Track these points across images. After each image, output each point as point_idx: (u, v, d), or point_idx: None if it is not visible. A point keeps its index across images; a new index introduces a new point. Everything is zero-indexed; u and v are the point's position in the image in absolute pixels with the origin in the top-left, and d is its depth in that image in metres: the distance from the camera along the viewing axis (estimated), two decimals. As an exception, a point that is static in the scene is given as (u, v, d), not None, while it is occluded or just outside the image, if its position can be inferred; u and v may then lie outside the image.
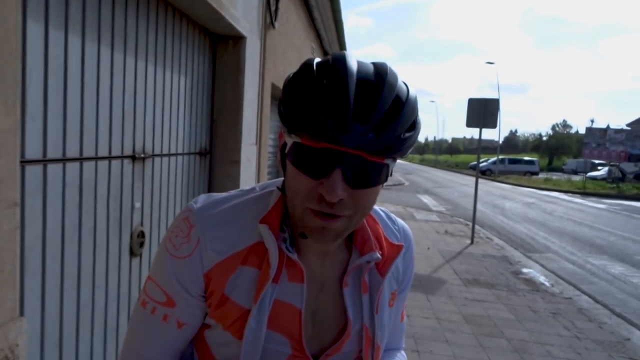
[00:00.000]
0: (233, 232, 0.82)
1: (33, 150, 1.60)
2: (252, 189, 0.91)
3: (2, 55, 1.22)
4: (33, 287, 1.61)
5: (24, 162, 1.55)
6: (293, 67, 5.85)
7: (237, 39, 3.40)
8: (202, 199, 0.86)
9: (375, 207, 0.98)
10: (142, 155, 2.40)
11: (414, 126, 0.76)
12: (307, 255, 0.86)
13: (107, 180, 2.11)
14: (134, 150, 2.33)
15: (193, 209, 0.84)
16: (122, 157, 2.22)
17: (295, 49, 5.93)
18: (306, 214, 0.76)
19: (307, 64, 0.76)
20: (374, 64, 0.76)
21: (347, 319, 0.89)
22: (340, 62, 0.73)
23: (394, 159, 0.77)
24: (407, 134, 0.74)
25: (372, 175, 0.74)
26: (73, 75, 1.81)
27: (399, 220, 1.04)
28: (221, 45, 3.42)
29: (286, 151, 0.77)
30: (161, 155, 2.66)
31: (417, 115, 0.76)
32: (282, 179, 0.90)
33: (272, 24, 4.20)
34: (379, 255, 0.89)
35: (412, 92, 0.75)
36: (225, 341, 0.84)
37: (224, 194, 0.89)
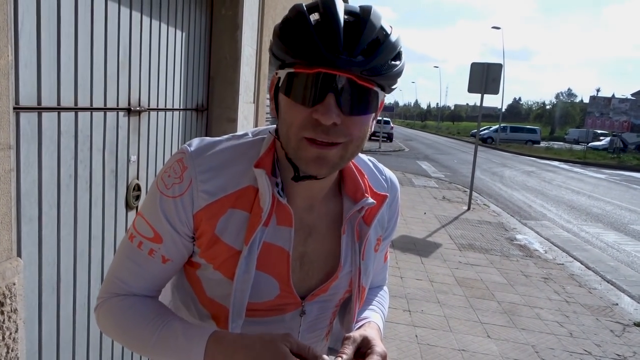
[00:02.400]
0: (225, 175, 0.85)
1: (27, 98, 1.60)
2: (245, 134, 0.93)
3: (-8, -4, 1.20)
4: (29, 232, 1.65)
5: (18, 109, 1.55)
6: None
7: (236, -6, 3.33)
8: (196, 142, 0.88)
9: (364, 156, 1.01)
10: (138, 109, 2.40)
11: (399, 57, 0.81)
12: (295, 201, 0.89)
13: (103, 132, 2.12)
14: (129, 103, 2.33)
15: (187, 151, 0.86)
16: (117, 109, 2.22)
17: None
18: (302, 143, 0.78)
19: (297, 5, 0.80)
20: (359, 6, 0.81)
21: (339, 263, 0.93)
22: (328, 1, 0.78)
23: (382, 88, 0.80)
24: (393, 62, 0.79)
25: (363, 102, 0.78)
26: (66, 23, 1.79)
27: (387, 170, 1.06)
28: (218, 0, 3.35)
29: (279, 85, 0.80)
30: (157, 110, 2.65)
31: (401, 48, 0.81)
32: (273, 126, 0.91)
33: (272, -21, 4.11)
34: (372, 201, 0.92)
35: (395, 30, 0.80)
36: (216, 280, 0.88)
37: (217, 138, 0.91)
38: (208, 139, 0.90)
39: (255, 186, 0.85)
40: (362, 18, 0.77)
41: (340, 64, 0.73)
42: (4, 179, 1.29)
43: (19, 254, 1.56)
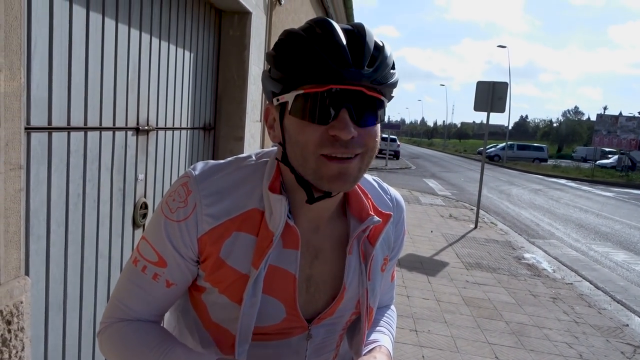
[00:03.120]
0: (229, 198, 0.85)
1: (38, 118, 1.64)
2: (249, 157, 0.94)
3: (7, 20, 1.24)
4: (38, 250, 1.66)
5: (29, 129, 1.59)
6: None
7: (243, 15, 3.40)
8: (201, 166, 0.89)
9: (368, 176, 1.01)
10: (146, 128, 2.43)
11: (394, 66, 0.84)
12: (301, 223, 0.89)
13: (111, 151, 2.15)
14: (138, 123, 2.36)
15: (192, 175, 0.86)
16: (126, 128, 2.25)
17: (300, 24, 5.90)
18: (321, 162, 0.78)
19: (290, 30, 0.82)
20: (348, 24, 0.84)
21: (343, 285, 0.93)
22: (321, 20, 0.80)
23: (385, 97, 0.83)
24: (392, 71, 0.82)
25: (373, 112, 0.80)
26: (77, 45, 1.83)
27: (392, 189, 1.07)
28: (227, 21, 3.41)
29: (287, 111, 0.80)
30: (165, 129, 2.69)
31: (393, 59, 0.84)
32: (275, 148, 0.92)
33: (278, 0, 4.18)
34: (378, 219, 0.92)
35: (385, 42, 0.84)
36: (221, 304, 0.87)
37: (221, 162, 0.91)
38: (212, 162, 0.91)
39: (260, 209, 0.85)
40: (358, 32, 0.79)
41: (350, 77, 0.75)
42: (13, 199, 1.32)
43: (26, 272, 1.58)
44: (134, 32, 2.26)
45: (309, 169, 0.80)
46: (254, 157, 0.93)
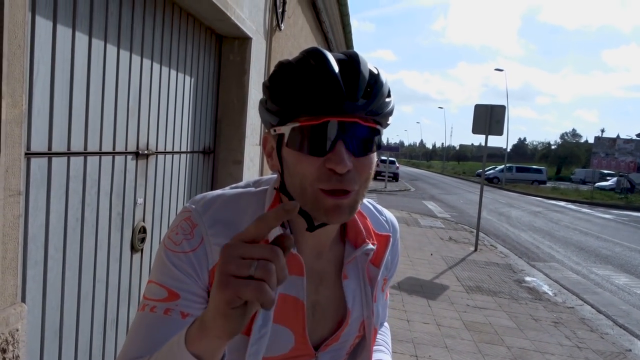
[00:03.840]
0: (234, 227, 0.84)
1: (38, 143, 1.65)
2: (247, 185, 0.94)
3: (10, 49, 1.26)
4: (35, 276, 1.65)
5: (29, 155, 1.59)
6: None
7: (243, 40, 3.45)
8: (199, 198, 0.88)
9: (364, 199, 1.02)
10: (146, 152, 2.44)
11: (390, 94, 0.83)
12: (304, 250, 0.89)
13: (111, 176, 2.15)
14: (137, 147, 2.37)
15: (193, 209, 0.86)
16: (125, 153, 2.26)
17: (301, 49, 5.97)
18: (319, 195, 0.78)
19: (285, 61, 0.83)
20: (341, 52, 0.84)
21: (347, 309, 0.93)
22: (314, 51, 0.80)
23: (381, 125, 0.83)
24: (387, 100, 0.82)
25: (369, 142, 0.80)
26: (79, 71, 1.85)
27: (385, 211, 1.08)
28: (227, 46, 3.46)
29: (284, 143, 0.80)
30: (165, 153, 2.70)
31: (389, 87, 0.84)
32: (274, 176, 0.92)
33: (278, 26, 4.25)
34: (372, 247, 0.93)
35: (380, 69, 0.84)
36: None
37: (218, 192, 0.91)
38: (210, 194, 0.90)
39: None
40: (352, 62, 0.79)
41: (345, 109, 0.75)
42: (12, 225, 1.31)
43: (23, 299, 1.56)
44: (136, 58, 2.29)
45: (307, 201, 0.80)
46: (252, 186, 0.94)
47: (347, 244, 0.95)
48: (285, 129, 0.79)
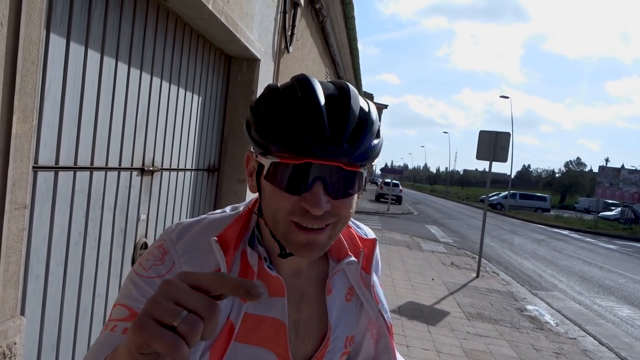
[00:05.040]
0: (202, 255, 0.84)
1: (46, 157, 1.67)
2: (223, 210, 0.94)
3: (24, 66, 1.29)
4: (35, 289, 1.65)
5: (37, 168, 1.61)
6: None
7: (252, 61, 3.50)
8: (174, 227, 0.88)
9: None
10: (151, 169, 2.46)
11: (378, 134, 0.81)
12: (283, 269, 0.89)
13: (115, 191, 2.17)
14: (143, 163, 2.40)
15: (167, 238, 0.86)
16: (131, 169, 2.28)
17: (310, 73, 6.04)
18: (290, 228, 0.78)
19: (273, 88, 0.79)
20: (332, 82, 0.81)
21: (329, 325, 0.93)
22: (304, 82, 0.77)
23: (366, 167, 0.81)
24: (375, 141, 0.79)
25: (350, 184, 0.78)
26: (90, 87, 1.89)
27: (362, 225, 1.09)
28: (235, 66, 3.52)
29: (263, 174, 0.79)
30: (170, 170, 2.72)
31: (379, 124, 0.82)
32: (254, 199, 0.92)
33: (286, 48, 4.31)
34: (353, 259, 0.94)
35: (371, 104, 0.81)
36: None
37: (195, 219, 0.91)
38: (186, 221, 0.90)
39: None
40: (343, 101, 0.76)
41: (328, 154, 0.73)
42: (16, 238, 1.32)
43: (22, 312, 1.56)
44: (145, 76, 2.33)
45: (279, 232, 0.80)
46: (228, 210, 0.94)
47: (330, 258, 0.95)
48: (266, 162, 0.77)
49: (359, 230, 1.04)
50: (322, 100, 0.75)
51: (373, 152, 0.79)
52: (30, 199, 1.56)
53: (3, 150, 1.25)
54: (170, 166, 2.72)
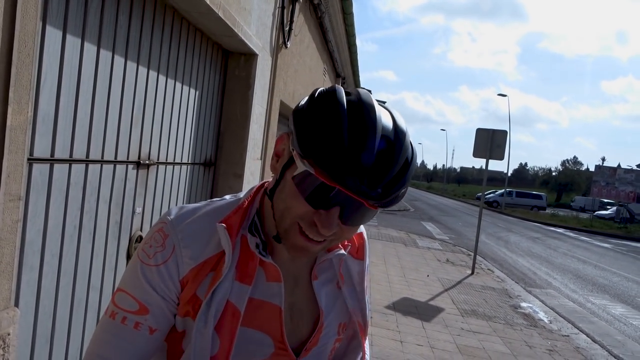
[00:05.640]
0: (204, 239, 0.86)
1: (41, 149, 1.67)
2: (223, 198, 0.95)
3: (20, 57, 1.29)
4: (29, 281, 1.66)
5: (32, 160, 1.61)
6: (304, 86, 5.96)
7: (249, 56, 3.50)
8: (175, 210, 0.90)
9: None
10: (147, 162, 2.47)
11: (407, 181, 0.82)
12: (279, 255, 0.90)
13: (111, 184, 2.17)
14: (139, 157, 2.40)
15: (167, 220, 0.87)
16: (127, 162, 2.28)
17: (308, 68, 6.04)
18: (293, 229, 0.80)
19: (334, 98, 0.77)
20: (393, 118, 0.79)
21: (320, 310, 0.94)
22: (367, 107, 0.76)
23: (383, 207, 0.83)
24: (403, 190, 0.80)
25: (365, 218, 0.81)
26: (86, 80, 1.89)
27: None
28: (233, 61, 3.51)
29: (291, 169, 0.80)
30: (166, 164, 2.72)
31: (413, 170, 0.82)
32: (263, 184, 0.93)
33: (284, 43, 4.31)
34: (343, 252, 0.96)
35: (415, 151, 0.81)
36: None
37: (196, 204, 0.92)
38: (187, 206, 0.92)
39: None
40: (394, 143, 0.76)
41: (359, 193, 0.74)
42: (10, 229, 1.33)
43: (16, 304, 1.57)
44: (142, 69, 2.32)
45: (282, 227, 0.82)
46: (228, 197, 0.95)
47: None
48: (300, 164, 0.77)
49: None
50: (377, 140, 0.74)
51: (397, 200, 0.80)
52: (25, 191, 1.57)
53: (-2, 141, 1.25)
54: (166, 160, 2.72)
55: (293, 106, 5.13)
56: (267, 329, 0.88)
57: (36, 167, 1.64)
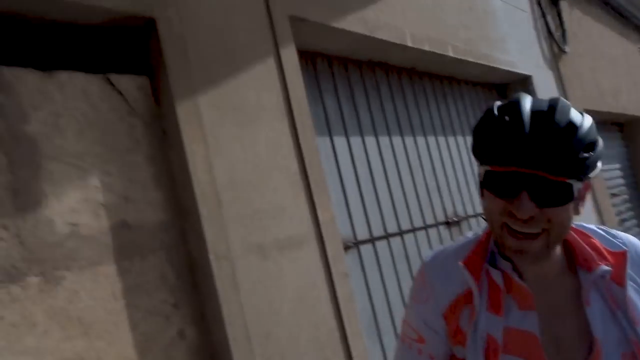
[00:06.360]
0: (452, 277, 0.96)
1: (359, 232, 2.08)
2: (466, 237, 1.04)
3: (312, 171, 1.73)
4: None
5: (356, 243, 2.03)
6: (615, 79, 5.15)
7: (523, 80, 3.39)
8: (431, 253, 1.04)
9: (588, 224, 1.00)
10: (455, 219, 2.65)
11: (592, 147, 0.81)
12: (530, 284, 0.91)
13: (427, 247, 2.42)
14: (446, 216, 2.61)
15: (425, 262, 1.02)
16: (437, 224, 2.52)
17: (611, 58, 5.28)
18: (503, 231, 0.85)
19: (489, 108, 0.89)
20: (549, 99, 0.85)
21: (595, 339, 0.88)
22: (515, 101, 0.86)
23: (578, 179, 0.81)
24: (585, 154, 0.79)
25: (557, 194, 0.80)
26: (376, 168, 2.29)
27: (621, 233, 0.99)
28: (507, 91, 3.47)
29: (480, 179, 0.89)
30: (471, 217, 2.84)
31: (595, 138, 0.81)
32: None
33: (561, 50, 3.98)
34: (608, 268, 0.89)
35: (586, 118, 0.83)
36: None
37: (449, 245, 1.04)
38: (439, 247, 1.05)
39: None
40: (548, 112, 0.81)
41: (530, 164, 0.78)
42: (348, 299, 1.69)
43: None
44: (420, 140, 2.61)
45: (496, 235, 0.88)
46: (471, 235, 1.02)
47: (580, 271, 0.92)
48: (482, 170, 0.88)
49: (614, 239, 0.98)
50: (527, 115, 0.82)
51: (582, 165, 0.81)
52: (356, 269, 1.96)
53: (317, 234, 1.69)
54: (474, 212, 2.83)
55: (604, 106, 4.50)
56: (527, 356, 0.89)
57: (362, 247, 2.06)
